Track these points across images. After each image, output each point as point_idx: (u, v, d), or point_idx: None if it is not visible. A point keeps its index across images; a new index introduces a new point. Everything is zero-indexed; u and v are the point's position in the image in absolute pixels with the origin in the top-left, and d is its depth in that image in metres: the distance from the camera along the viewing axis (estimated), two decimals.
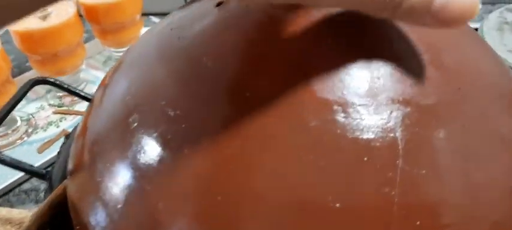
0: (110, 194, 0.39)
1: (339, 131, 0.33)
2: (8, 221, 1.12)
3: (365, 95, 0.35)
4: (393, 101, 0.35)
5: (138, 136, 0.39)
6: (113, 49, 2.08)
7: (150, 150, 0.38)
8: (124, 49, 2.03)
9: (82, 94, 1.27)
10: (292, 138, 0.33)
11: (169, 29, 0.57)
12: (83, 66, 1.98)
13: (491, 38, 1.68)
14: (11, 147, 1.62)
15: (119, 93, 0.48)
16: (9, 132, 1.75)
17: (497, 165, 0.37)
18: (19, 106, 1.90)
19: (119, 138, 0.41)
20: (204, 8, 0.54)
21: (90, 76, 2.04)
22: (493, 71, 0.52)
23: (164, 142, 0.37)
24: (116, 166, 0.39)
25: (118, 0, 1.81)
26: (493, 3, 1.97)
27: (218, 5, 0.51)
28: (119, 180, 0.39)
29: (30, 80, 1.21)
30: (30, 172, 1.03)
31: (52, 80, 1.25)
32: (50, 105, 1.90)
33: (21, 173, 1.18)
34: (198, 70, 0.40)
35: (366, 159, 0.32)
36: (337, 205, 0.31)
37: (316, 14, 0.38)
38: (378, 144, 0.33)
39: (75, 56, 1.88)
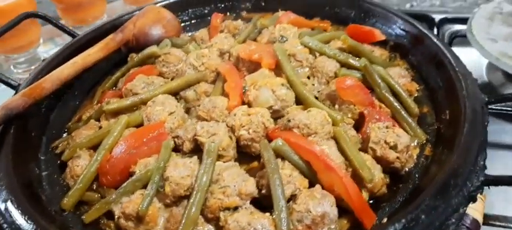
0: None
1: None
2: None
3: None
4: None
5: None
6: (135, 7, 2.28)
7: None
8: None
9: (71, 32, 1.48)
10: None
11: None
12: (104, 18, 2.20)
13: (478, 25, 1.67)
14: None
15: None
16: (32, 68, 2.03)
17: None
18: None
19: None
20: None
21: None
22: None
23: None
24: None
25: None
26: None
27: None
28: None
29: (22, 13, 1.44)
30: (5, 82, 1.24)
31: (42, 15, 1.48)
32: None
33: None
34: None
35: None
36: None
37: None
38: None
39: (95, 6, 2.11)
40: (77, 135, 1.08)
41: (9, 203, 0.86)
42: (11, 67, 2.04)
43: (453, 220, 0.79)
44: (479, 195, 0.84)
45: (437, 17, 2.02)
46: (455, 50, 1.15)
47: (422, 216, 0.76)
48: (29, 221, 0.83)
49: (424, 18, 1.87)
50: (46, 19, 1.46)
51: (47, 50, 2.16)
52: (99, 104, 1.23)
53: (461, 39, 1.66)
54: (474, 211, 0.98)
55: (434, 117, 1.08)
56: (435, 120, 1.07)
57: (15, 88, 1.21)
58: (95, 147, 1.02)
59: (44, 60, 1.30)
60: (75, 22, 2.14)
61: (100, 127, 1.10)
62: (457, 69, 1.06)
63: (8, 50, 1.98)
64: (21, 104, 1.05)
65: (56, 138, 1.15)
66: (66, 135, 1.18)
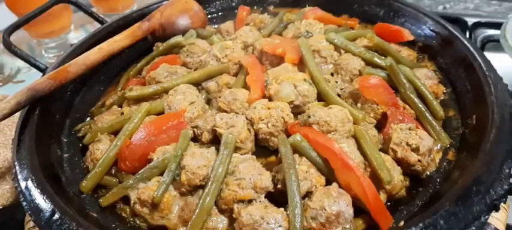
0: None
1: None
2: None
3: None
4: None
5: None
6: None
7: None
8: None
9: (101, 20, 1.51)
10: None
11: None
12: (135, 7, 2.23)
13: None
14: None
15: None
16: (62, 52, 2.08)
17: None
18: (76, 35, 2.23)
19: None
20: None
21: None
22: None
23: None
24: None
25: None
26: None
27: None
28: None
29: None
30: (34, 65, 1.27)
31: (74, 1, 1.51)
32: None
33: None
34: None
35: None
36: None
37: None
38: None
39: None
40: (99, 119, 1.10)
41: (29, 182, 0.88)
42: (43, 51, 2.09)
43: (473, 228, 0.77)
44: (502, 204, 0.82)
45: (470, 21, 1.96)
46: (487, 55, 1.11)
47: (441, 221, 0.74)
48: (47, 201, 0.84)
49: (457, 22, 1.82)
50: (77, 5, 1.48)
51: (77, 36, 2.20)
52: (122, 91, 1.24)
53: (494, 44, 1.61)
54: (496, 220, 0.95)
55: (459, 121, 1.05)
56: (460, 125, 1.04)
57: (43, 70, 1.24)
58: (116, 132, 1.04)
59: (71, 45, 1.33)
60: (106, 10, 2.19)
61: (122, 114, 1.12)
62: (487, 73, 1.03)
63: (40, 34, 2.03)
64: (47, 86, 1.07)
65: (79, 121, 1.17)
66: (89, 119, 1.20)
